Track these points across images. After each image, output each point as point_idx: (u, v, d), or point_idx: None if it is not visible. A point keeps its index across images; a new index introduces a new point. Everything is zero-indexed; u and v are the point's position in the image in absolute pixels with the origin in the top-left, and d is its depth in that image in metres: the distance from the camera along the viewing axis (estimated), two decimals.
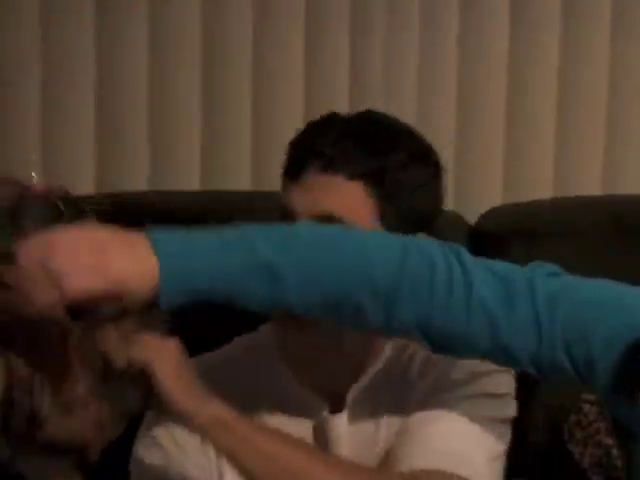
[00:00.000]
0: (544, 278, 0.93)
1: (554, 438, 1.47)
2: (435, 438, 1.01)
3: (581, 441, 1.47)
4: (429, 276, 0.87)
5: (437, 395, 1.05)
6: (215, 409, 0.96)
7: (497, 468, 1.08)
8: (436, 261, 0.88)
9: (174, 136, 1.86)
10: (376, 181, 1.00)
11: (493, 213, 1.70)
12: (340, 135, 1.00)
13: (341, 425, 1.09)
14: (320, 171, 0.98)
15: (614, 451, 1.46)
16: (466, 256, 0.91)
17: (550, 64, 1.87)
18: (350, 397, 1.10)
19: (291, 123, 1.48)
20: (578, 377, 0.93)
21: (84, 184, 1.80)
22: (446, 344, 0.92)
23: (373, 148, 1.00)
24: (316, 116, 1.08)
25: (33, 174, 0.89)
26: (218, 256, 0.83)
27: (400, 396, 1.09)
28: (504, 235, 1.61)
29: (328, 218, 0.98)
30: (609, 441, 1.46)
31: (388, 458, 1.05)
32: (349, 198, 0.99)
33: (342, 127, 1.02)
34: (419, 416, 1.04)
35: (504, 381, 1.09)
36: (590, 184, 1.88)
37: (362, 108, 1.12)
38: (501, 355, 0.93)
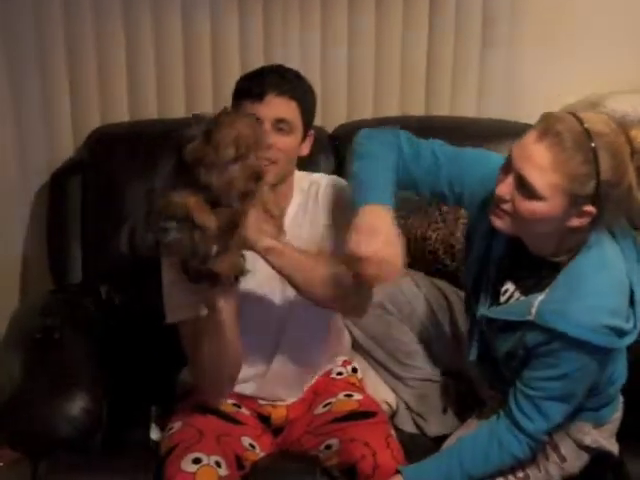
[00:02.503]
0: (437, 144, 1.82)
1: None
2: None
3: None
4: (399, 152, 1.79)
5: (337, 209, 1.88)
6: (269, 242, 1.67)
7: None
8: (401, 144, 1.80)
9: None
10: (299, 100, 1.82)
11: (342, 126, 2.55)
12: (282, 76, 1.82)
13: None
14: (275, 95, 1.77)
15: None
16: (405, 135, 1.81)
17: None
18: (285, 221, 1.85)
19: None
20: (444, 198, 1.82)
21: None
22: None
23: (297, 83, 1.84)
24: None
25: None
26: None
27: (314, 215, 1.91)
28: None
29: (282, 120, 1.78)
30: None
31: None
32: (292, 109, 1.80)
33: (281, 71, 1.84)
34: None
35: None
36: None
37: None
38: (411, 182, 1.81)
